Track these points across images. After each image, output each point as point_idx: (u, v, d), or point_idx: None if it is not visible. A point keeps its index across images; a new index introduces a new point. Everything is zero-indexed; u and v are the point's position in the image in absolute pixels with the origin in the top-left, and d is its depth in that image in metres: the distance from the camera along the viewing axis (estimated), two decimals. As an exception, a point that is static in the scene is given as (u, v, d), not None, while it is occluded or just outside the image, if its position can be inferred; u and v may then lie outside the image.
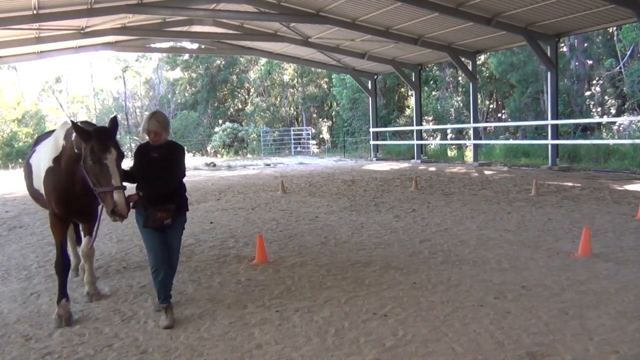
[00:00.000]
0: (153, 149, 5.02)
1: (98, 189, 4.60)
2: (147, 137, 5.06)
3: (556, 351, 4.01)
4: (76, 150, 4.84)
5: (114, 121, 4.89)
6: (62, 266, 5.23)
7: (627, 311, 4.77)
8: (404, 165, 22.90)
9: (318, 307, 5.21)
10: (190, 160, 30.06)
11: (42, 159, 5.37)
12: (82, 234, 5.94)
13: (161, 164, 4.95)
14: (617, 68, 26.08)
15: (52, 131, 6.00)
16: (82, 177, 4.86)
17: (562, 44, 26.73)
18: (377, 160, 26.62)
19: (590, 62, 29.29)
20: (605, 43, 28.18)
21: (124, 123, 45.44)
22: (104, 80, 51.14)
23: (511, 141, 25.95)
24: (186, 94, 45.32)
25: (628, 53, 25.45)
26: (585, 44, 28.58)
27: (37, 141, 6.24)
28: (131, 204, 4.82)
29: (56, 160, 5.13)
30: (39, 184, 5.43)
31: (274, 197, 13.49)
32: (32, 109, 42.77)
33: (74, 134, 4.82)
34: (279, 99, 43.90)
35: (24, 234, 9.78)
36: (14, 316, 5.32)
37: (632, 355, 3.92)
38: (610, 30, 26.72)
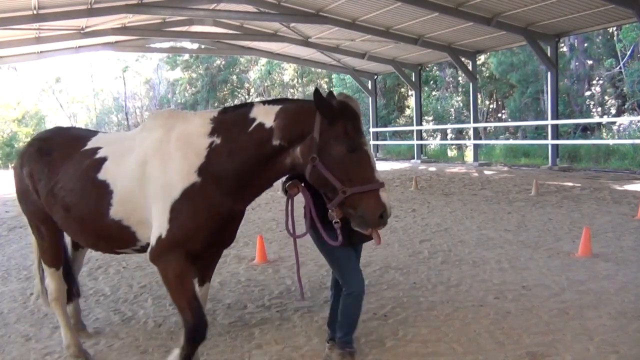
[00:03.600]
0: None
1: (351, 190, 3.14)
2: None
3: (556, 351, 4.01)
4: (276, 143, 3.31)
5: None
6: (204, 332, 3.49)
7: (627, 311, 4.77)
8: (404, 165, 22.90)
9: (318, 307, 5.21)
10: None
11: (160, 171, 3.44)
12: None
13: None
14: (617, 68, 26.07)
15: (78, 131, 4.37)
16: (258, 186, 3.48)
17: (562, 44, 26.72)
18: (377, 160, 26.59)
19: (590, 62, 29.28)
20: (605, 43, 28.17)
21: (124, 123, 45.43)
22: (104, 80, 51.17)
23: (511, 141, 25.95)
24: (186, 94, 45.28)
25: (628, 53, 25.44)
26: (585, 44, 28.58)
27: (67, 143, 4.05)
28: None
29: (203, 170, 3.38)
30: (129, 210, 3.58)
31: (274, 197, 13.49)
32: (32, 109, 42.76)
33: (260, 120, 3.36)
34: (279, 99, 43.89)
35: (24, 234, 9.77)
36: (14, 316, 5.32)
37: (632, 355, 3.92)
38: (610, 30, 26.71)
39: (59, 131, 4.36)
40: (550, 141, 18.36)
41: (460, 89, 33.90)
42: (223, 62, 42.84)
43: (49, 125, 44.33)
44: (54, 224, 4.09)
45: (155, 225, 3.44)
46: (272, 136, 3.31)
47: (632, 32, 23.62)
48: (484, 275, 6.04)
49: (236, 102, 45.77)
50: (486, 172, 17.93)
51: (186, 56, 40.76)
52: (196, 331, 3.42)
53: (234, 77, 44.94)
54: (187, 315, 3.42)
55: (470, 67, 21.66)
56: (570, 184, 13.71)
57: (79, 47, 22.04)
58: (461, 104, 33.13)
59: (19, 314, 5.38)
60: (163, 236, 3.38)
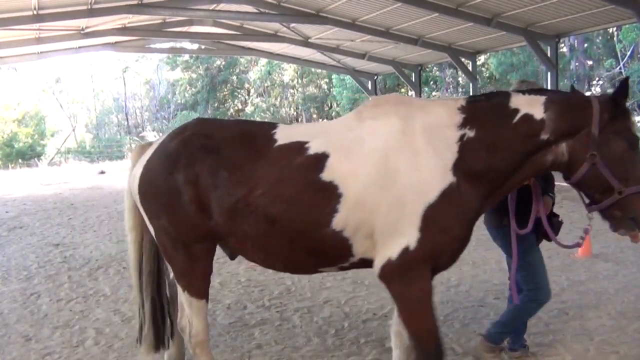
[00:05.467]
0: None
1: (629, 190, 2.88)
2: None
3: (556, 351, 4.01)
4: (545, 137, 2.92)
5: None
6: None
7: (627, 311, 4.77)
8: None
9: (318, 308, 5.21)
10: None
11: (409, 168, 2.86)
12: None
13: None
14: (617, 68, 26.08)
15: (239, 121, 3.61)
16: (510, 187, 3.10)
17: (562, 45, 26.73)
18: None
19: (590, 62, 29.29)
20: (605, 43, 28.18)
21: (124, 123, 45.41)
22: (104, 80, 51.14)
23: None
24: (186, 95, 45.29)
25: (628, 53, 25.45)
26: (585, 45, 28.59)
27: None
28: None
29: (457, 168, 2.90)
30: (359, 217, 2.92)
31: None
32: (32, 110, 42.77)
33: (525, 110, 2.95)
34: (279, 100, 43.92)
35: (23, 235, 9.78)
36: (14, 316, 5.32)
37: (632, 355, 3.92)
38: (610, 31, 26.73)
39: (212, 123, 3.46)
40: (550, 141, 18.34)
41: (460, 90, 33.92)
42: (223, 63, 42.88)
43: (49, 125, 44.32)
44: (212, 243, 3.30)
45: (396, 234, 2.86)
46: (542, 130, 2.92)
47: (632, 33, 23.63)
48: (484, 276, 6.04)
49: (236, 102, 45.66)
50: (486, 173, 17.92)
51: (186, 57, 40.80)
52: (438, 355, 2.94)
53: (234, 77, 44.97)
54: (428, 345, 2.94)
55: (470, 68, 21.66)
56: (570, 184, 13.70)
57: (79, 47, 22.03)
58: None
59: (19, 314, 5.38)
60: (412, 248, 2.83)
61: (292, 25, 20.83)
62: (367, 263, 3.08)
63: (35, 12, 15.74)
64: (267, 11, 18.98)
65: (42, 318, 5.22)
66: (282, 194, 3.00)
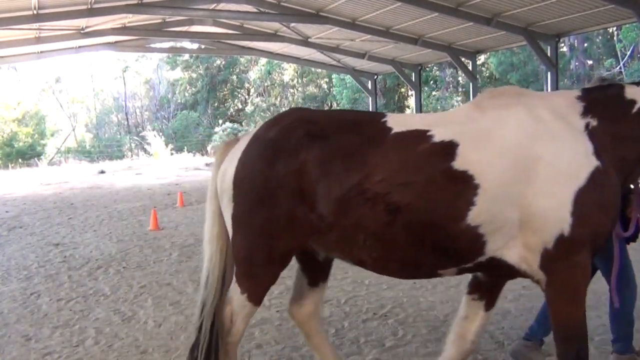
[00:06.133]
0: None
1: None
2: None
3: (556, 351, 4.01)
4: None
5: None
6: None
7: (627, 311, 4.77)
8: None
9: (318, 307, 5.21)
10: (191, 160, 30.11)
11: (553, 154, 2.72)
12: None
13: None
14: (617, 68, 26.09)
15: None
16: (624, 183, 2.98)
17: (562, 44, 26.74)
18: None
19: (590, 62, 29.31)
20: (605, 43, 28.20)
21: (124, 123, 45.42)
22: (104, 80, 51.13)
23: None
24: (186, 94, 45.30)
25: (628, 53, 25.46)
26: (585, 44, 28.61)
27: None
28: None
29: (597, 153, 2.77)
30: (497, 210, 2.72)
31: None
32: (32, 109, 42.79)
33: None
34: (279, 99, 43.92)
35: (23, 234, 9.78)
36: (14, 316, 5.32)
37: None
38: (610, 31, 26.74)
39: (311, 111, 3.36)
40: (550, 141, 18.30)
41: (460, 89, 33.95)
42: (223, 62, 42.89)
43: (49, 125, 44.35)
44: (300, 243, 3.02)
45: (546, 224, 2.70)
46: None
47: (632, 32, 23.63)
48: (484, 275, 6.04)
49: (236, 102, 45.66)
50: (486, 172, 17.90)
51: (186, 56, 40.78)
52: (585, 353, 2.84)
53: (234, 77, 44.97)
54: (580, 331, 2.83)
55: (470, 67, 21.66)
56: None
57: (79, 47, 22.04)
58: (461, 104, 33.11)
59: (19, 313, 5.38)
60: (566, 234, 2.68)
61: (292, 24, 20.83)
62: (492, 262, 2.84)
63: (35, 12, 15.75)
64: (267, 11, 18.99)
65: (42, 318, 5.23)
66: (407, 181, 2.75)
